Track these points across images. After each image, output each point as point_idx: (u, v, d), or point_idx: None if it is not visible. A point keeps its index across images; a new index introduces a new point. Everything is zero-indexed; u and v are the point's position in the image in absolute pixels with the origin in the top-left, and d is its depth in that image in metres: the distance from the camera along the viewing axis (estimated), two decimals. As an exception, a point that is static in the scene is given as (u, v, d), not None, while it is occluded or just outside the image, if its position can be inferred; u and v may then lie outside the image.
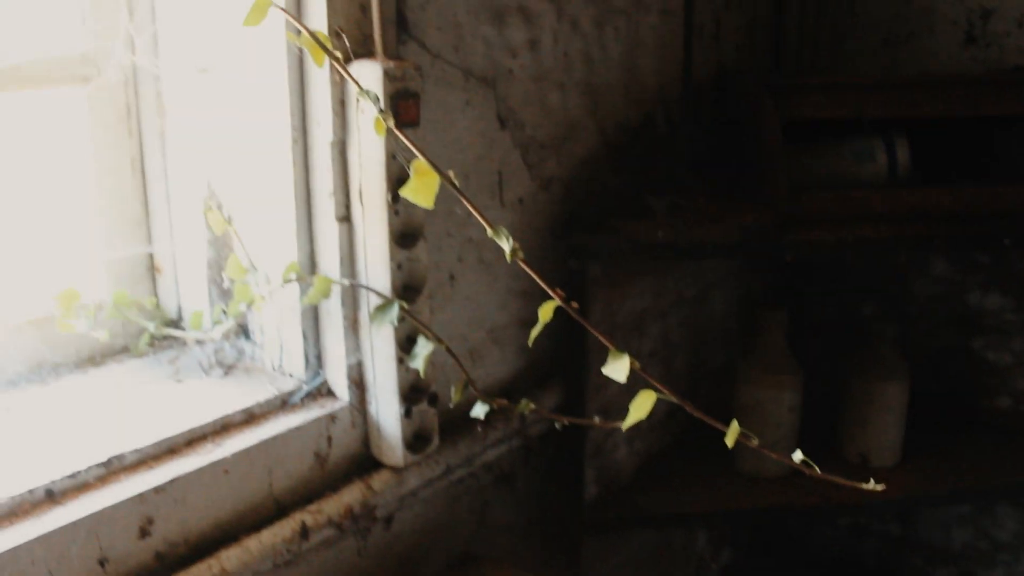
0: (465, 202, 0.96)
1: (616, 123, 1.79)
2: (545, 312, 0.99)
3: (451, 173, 0.95)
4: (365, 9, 1.26)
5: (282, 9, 1.00)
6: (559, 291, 0.97)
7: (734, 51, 2.11)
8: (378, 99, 0.96)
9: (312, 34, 0.97)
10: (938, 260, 2.22)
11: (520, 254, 0.95)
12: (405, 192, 0.95)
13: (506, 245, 0.95)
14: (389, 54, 1.27)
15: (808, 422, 1.96)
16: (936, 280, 2.23)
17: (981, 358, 2.22)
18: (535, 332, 0.99)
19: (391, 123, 0.94)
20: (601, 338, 0.96)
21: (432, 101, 1.38)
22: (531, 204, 1.62)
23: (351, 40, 1.24)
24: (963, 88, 1.88)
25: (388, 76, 1.20)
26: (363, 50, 1.26)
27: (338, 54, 1.00)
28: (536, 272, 0.96)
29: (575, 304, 1.01)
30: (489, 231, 0.95)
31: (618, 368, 0.96)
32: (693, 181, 1.86)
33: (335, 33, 1.22)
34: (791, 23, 2.24)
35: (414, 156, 0.99)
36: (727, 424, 1.01)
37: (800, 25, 2.25)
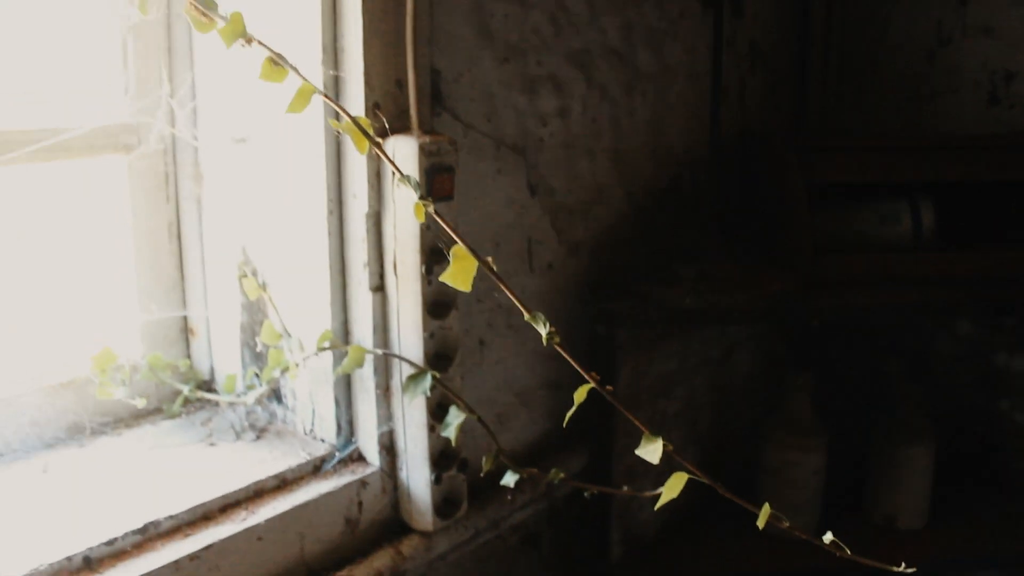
0: (503, 287, 0.98)
1: (643, 186, 1.81)
2: (580, 395, 1.00)
3: (489, 259, 0.97)
4: (401, 84, 1.29)
5: (325, 96, 1.03)
6: (594, 374, 0.98)
7: (758, 111, 2.13)
8: (417, 184, 0.98)
9: (354, 120, 1.00)
10: (963, 320, 2.22)
11: (556, 338, 0.97)
12: (444, 277, 0.97)
13: (543, 330, 0.97)
14: (424, 128, 1.30)
15: (833, 482, 1.96)
16: (961, 340, 2.23)
17: (1008, 419, 2.21)
18: (569, 414, 1.01)
19: (430, 207, 0.96)
20: (635, 421, 0.97)
21: (465, 170, 1.41)
22: (560, 269, 1.64)
23: (387, 114, 1.27)
24: (988, 152, 1.89)
25: (424, 151, 1.23)
26: (399, 124, 1.29)
27: (379, 140, 1.02)
28: (569, 352, 0.98)
29: (607, 385, 1.03)
30: (527, 316, 0.96)
31: (651, 451, 0.97)
32: (718, 243, 1.88)
33: (372, 109, 1.25)
34: (814, 82, 2.26)
35: (447, 227, 1.02)
36: (755, 498, 1.02)
37: (823, 84, 2.27)
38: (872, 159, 1.88)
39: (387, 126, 1.23)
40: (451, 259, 0.96)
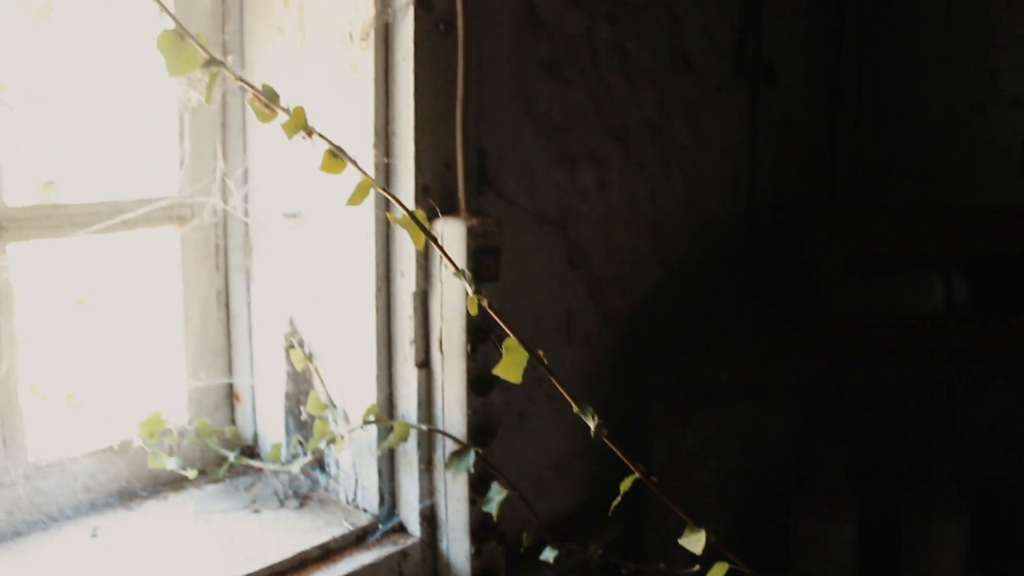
0: (552, 380, 1.01)
1: (679, 257, 1.84)
2: (625, 484, 1.03)
3: (541, 353, 1.00)
4: (450, 165, 1.33)
5: (383, 190, 1.07)
6: (640, 466, 1.00)
7: (791, 181, 2.16)
8: (471, 278, 1.01)
9: (412, 215, 1.03)
10: (996, 390, 2.22)
11: (604, 431, 0.99)
12: (498, 371, 1.00)
13: (591, 423, 0.99)
14: (471, 208, 1.34)
15: (866, 554, 1.96)
16: (993, 410, 2.24)
17: (1041, 489, 2.21)
18: (615, 503, 1.03)
19: (483, 301, 1.00)
20: (679, 512, 0.99)
21: (507, 246, 1.44)
22: (597, 341, 1.66)
23: (436, 196, 1.30)
24: (1020, 223, 1.91)
25: (471, 234, 1.27)
26: (447, 204, 1.32)
27: (434, 234, 1.05)
28: (618, 447, 1.01)
29: (642, 455, 1.05)
30: (575, 408, 0.99)
31: (694, 541, 0.99)
32: (752, 314, 1.90)
33: (422, 192, 1.29)
34: (846, 151, 2.29)
35: (500, 321, 1.05)
36: (787, 569, 1.03)
37: (855, 153, 2.30)
38: (904, 230, 1.90)
39: (436, 209, 1.27)
40: (503, 352, 0.99)
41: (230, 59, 1.39)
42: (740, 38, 1.90)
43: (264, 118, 1.09)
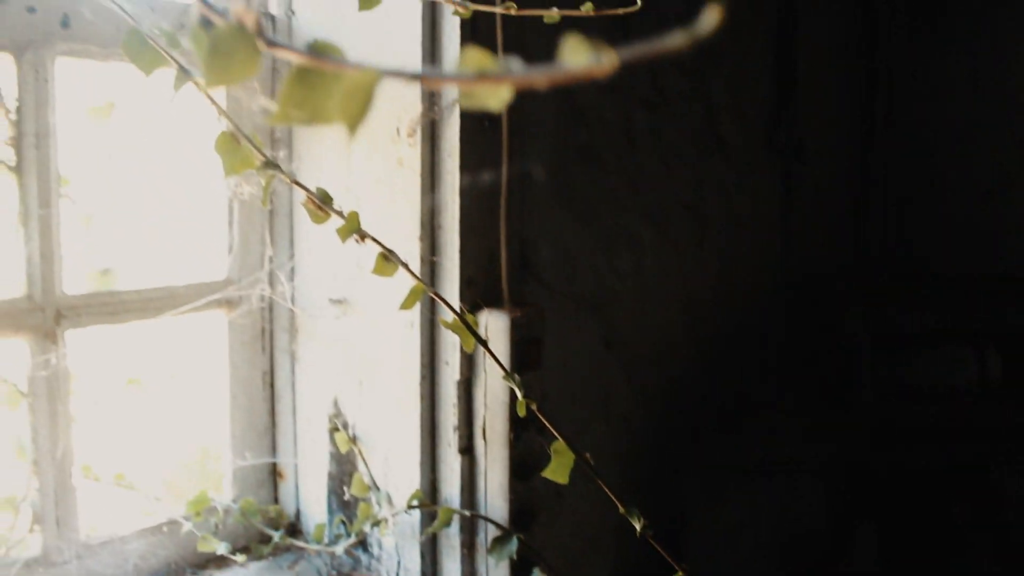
0: (600, 483, 1.03)
1: (712, 333, 1.86)
2: (670, 584, 1.05)
3: (588, 455, 1.03)
4: (493, 256, 1.37)
5: (434, 294, 1.10)
6: (684, 566, 1.03)
7: (823, 255, 2.18)
8: (520, 383, 1.04)
9: (463, 319, 1.07)
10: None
11: (650, 532, 1.02)
12: (546, 473, 1.02)
13: (637, 524, 1.02)
14: (513, 298, 1.37)
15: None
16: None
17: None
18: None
19: (533, 405, 1.03)
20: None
21: (548, 333, 1.47)
22: (633, 419, 1.69)
23: (479, 287, 1.34)
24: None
25: (515, 325, 1.30)
26: (490, 294, 1.36)
27: (484, 338, 1.09)
28: (654, 525, 1.03)
29: (675, 531, 1.07)
30: (621, 509, 1.02)
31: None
32: (784, 389, 1.91)
33: (466, 284, 1.32)
34: (876, 224, 2.31)
35: (548, 425, 1.08)
36: None
37: (885, 226, 2.32)
38: (936, 304, 1.92)
39: (480, 302, 1.30)
40: (552, 454, 1.01)
41: (280, 154, 1.44)
42: (773, 118, 1.94)
43: (318, 220, 1.13)
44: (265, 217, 1.52)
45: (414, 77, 0.38)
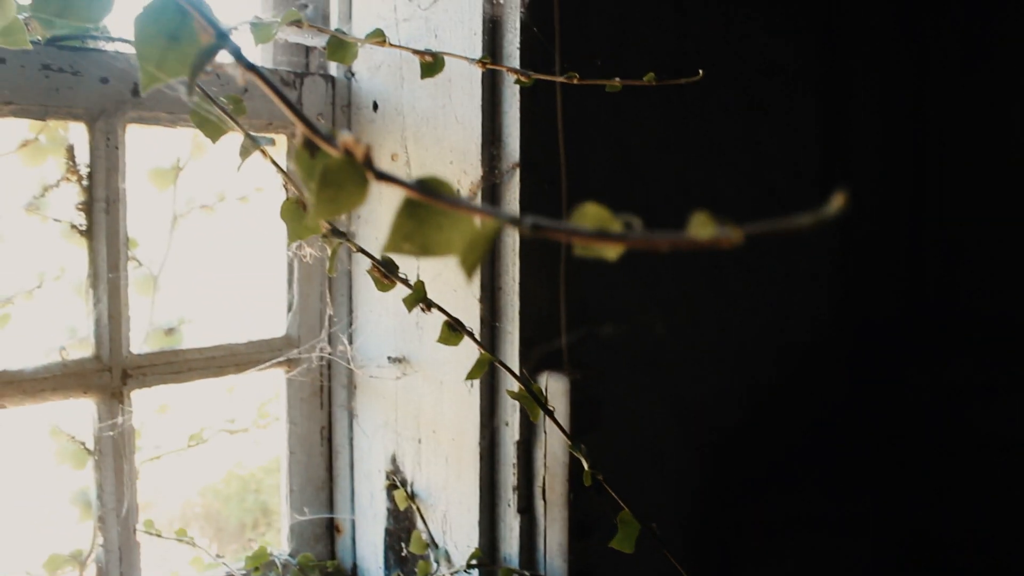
0: (668, 556, 1.03)
1: (767, 386, 1.86)
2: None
3: (654, 526, 1.03)
4: (552, 318, 1.38)
5: (500, 363, 1.11)
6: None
7: (878, 303, 2.17)
8: (586, 452, 1.05)
9: (530, 391, 1.08)
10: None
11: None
12: (613, 544, 1.03)
13: (705, 598, 1.02)
14: (572, 359, 1.38)
15: None
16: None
17: None
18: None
19: (599, 477, 1.03)
20: None
21: (607, 389, 1.48)
22: (688, 475, 1.68)
23: (538, 347, 1.35)
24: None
25: (575, 387, 1.30)
26: (549, 355, 1.37)
27: (550, 407, 1.09)
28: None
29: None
30: (679, 568, 1.02)
31: None
32: (837, 441, 1.90)
33: (526, 345, 1.33)
34: (932, 271, 2.29)
35: (613, 494, 1.08)
36: None
37: (941, 272, 2.30)
38: (998, 353, 1.90)
39: (540, 363, 1.31)
40: (618, 525, 1.02)
41: (342, 215, 1.46)
42: (825, 167, 1.94)
43: (383, 288, 1.14)
44: (324, 276, 1.54)
45: (534, 228, 0.39)
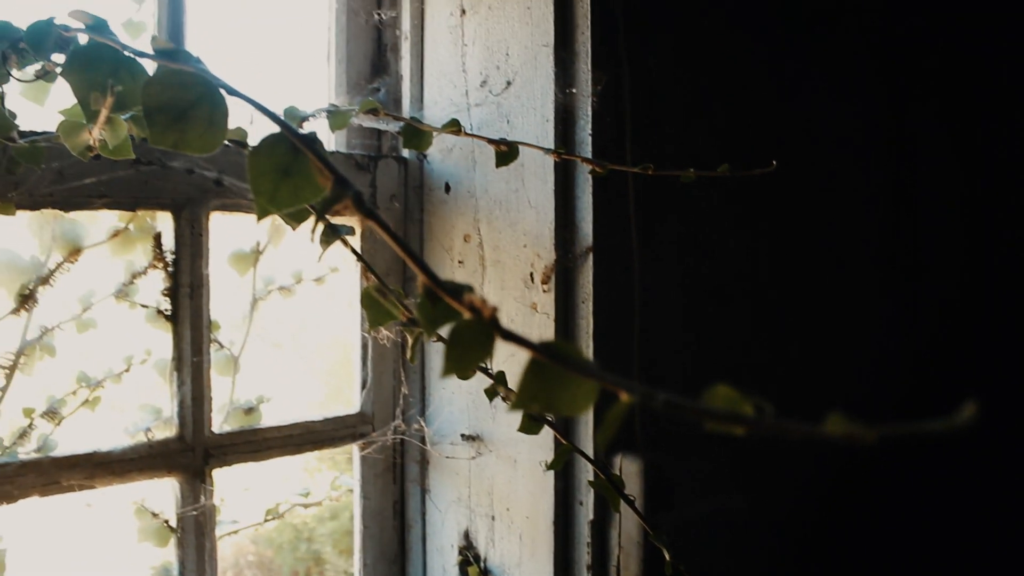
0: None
1: (838, 461, 1.85)
2: None
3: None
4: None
5: (580, 452, 1.13)
6: None
7: (948, 372, 2.15)
8: (665, 543, 1.06)
9: (611, 480, 1.09)
10: None
11: None
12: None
13: None
14: (645, 438, 1.39)
15: None
16: None
17: None
18: None
19: (679, 566, 1.04)
20: None
21: (677, 473, 1.48)
22: (763, 554, 1.68)
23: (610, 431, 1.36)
24: None
25: (649, 467, 1.31)
26: (622, 434, 1.38)
27: (630, 497, 1.11)
28: None
29: None
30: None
31: None
32: (910, 513, 1.88)
33: (599, 424, 1.35)
34: (1003, 336, 2.27)
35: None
36: None
37: (1015, 338, 2.28)
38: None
39: (612, 443, 1.32)
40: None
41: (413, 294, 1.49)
42: (893, 237, 1.94)
43: (464, 377, 1.17)
44: (398, 353, 1.57)
45: (666, 405, 0.41)
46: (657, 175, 1.24)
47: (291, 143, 0.65)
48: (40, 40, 0.99)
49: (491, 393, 1.12)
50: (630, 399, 0.43)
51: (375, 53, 1.62)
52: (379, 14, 1.59)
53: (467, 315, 0.48)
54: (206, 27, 1.46)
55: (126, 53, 0.86)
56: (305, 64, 1.64)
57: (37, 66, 1.06)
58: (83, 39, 0.93)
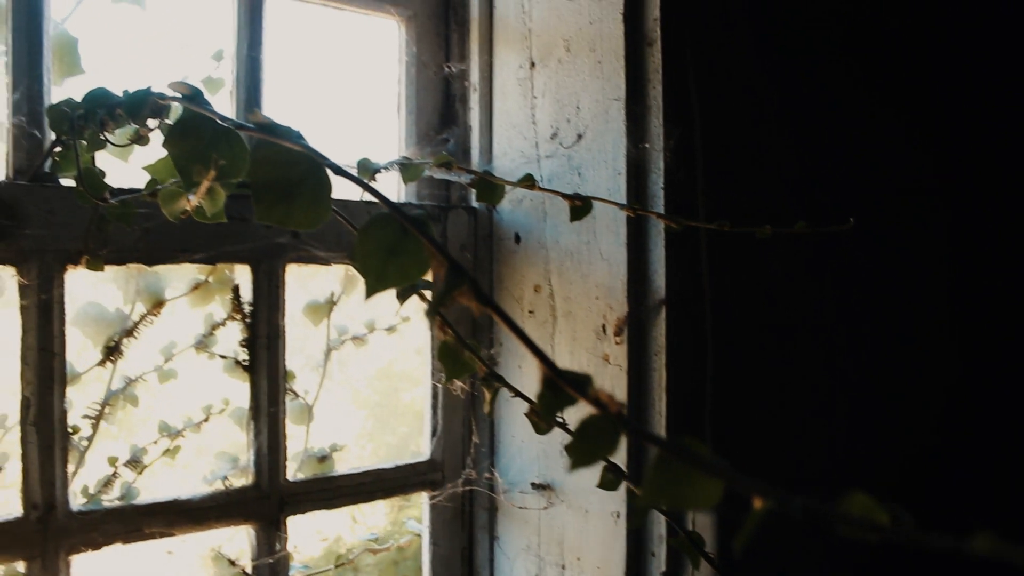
0: None
1: (907, 508, 1.83)
2: None
3: None
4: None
5: (662, 511, 1.13)
6: None
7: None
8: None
9: (691, 539, 1.09)
10: None
11: None
12: None
13: None
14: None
15: None
16: None
17: None
18: None
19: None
20: None
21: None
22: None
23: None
24: None
25: (721, 521, 1.31)
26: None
27: (709, 554, 1.11)
28: None
29: None
30: None
31: None
32: None
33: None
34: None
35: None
36: None
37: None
38: None
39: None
40: None
41: (488, 349, 1.51)
42: (958, 285, 1.92)
43: (542, 432, 1.18)
44: (468, 402, 1.58)
45: (804, 511, 0.42)
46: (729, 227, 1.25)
47: (400, 224, 0.67)
48: (137, 107, 1.03)
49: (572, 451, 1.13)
50: (765, 504, 0.44)
51: (443, 104, 1.64)
52: (448, 67, 1.62)
53: (593, 409, 0.49)
54: (280, 80, 1.49)
55: (224, 124, 0.89)
56: (373, 113, 1.68)
57: (129, 130, 1.10)
58: (176, 107, 0.96)
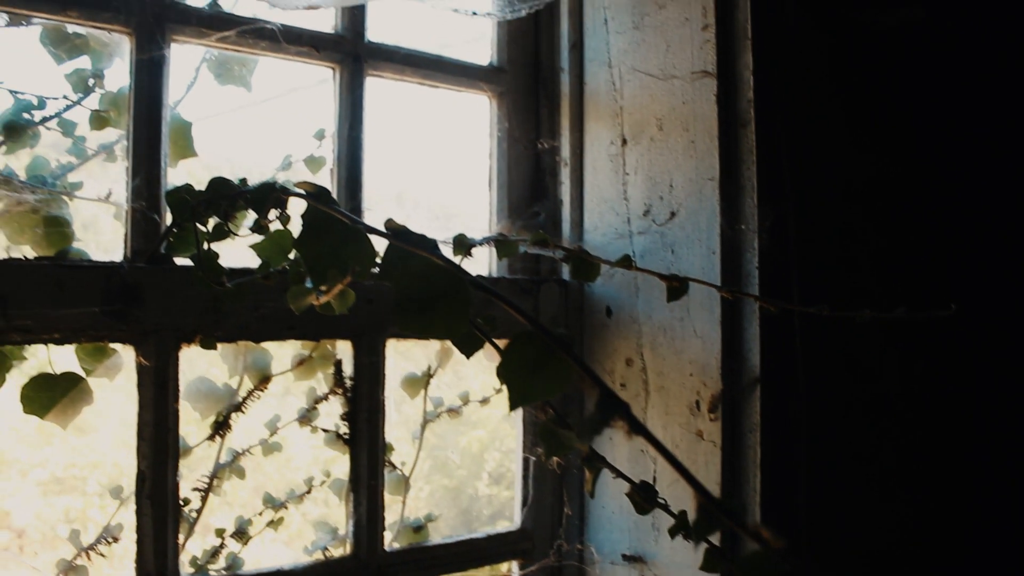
0: None
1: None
2: None
3: None
4: (792, 517, 1.40)
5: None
6: None
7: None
8: None
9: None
10: None
11: None
12: None
13: None
14: (806, 551, 1.39)
15: None
16: None
17: None
18: None
19: None
20: None
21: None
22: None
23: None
24: None
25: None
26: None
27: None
28: None
29: None
30: None
31: None
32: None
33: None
34: None
35: None
36: None
37: None
38: None
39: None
40: None
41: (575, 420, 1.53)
42: None
43: (643, 512, 1.19)
44: (557, 478, 1.60)
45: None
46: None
47: (546, 343, 0.70)
48: (262, 200, 1.07)
49: (675, 531, 1.14)
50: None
51: (534, 178, 1.68)
52: (540, 142, 1.66)
53: (753, 544, 0.51)
54: (377, 155, 1.54)
55: (356, 225, 0.93)
56: (465, 186, 1.72)
57: (249, 219, 1.14)
58: (298, 202, 1.00)
